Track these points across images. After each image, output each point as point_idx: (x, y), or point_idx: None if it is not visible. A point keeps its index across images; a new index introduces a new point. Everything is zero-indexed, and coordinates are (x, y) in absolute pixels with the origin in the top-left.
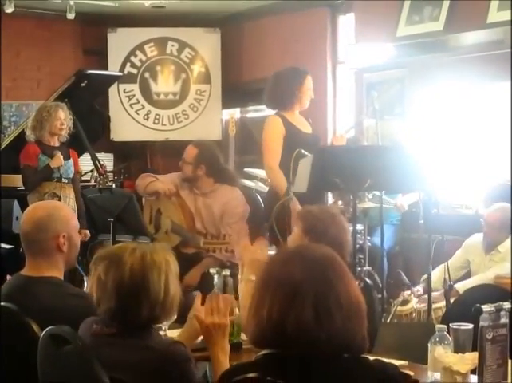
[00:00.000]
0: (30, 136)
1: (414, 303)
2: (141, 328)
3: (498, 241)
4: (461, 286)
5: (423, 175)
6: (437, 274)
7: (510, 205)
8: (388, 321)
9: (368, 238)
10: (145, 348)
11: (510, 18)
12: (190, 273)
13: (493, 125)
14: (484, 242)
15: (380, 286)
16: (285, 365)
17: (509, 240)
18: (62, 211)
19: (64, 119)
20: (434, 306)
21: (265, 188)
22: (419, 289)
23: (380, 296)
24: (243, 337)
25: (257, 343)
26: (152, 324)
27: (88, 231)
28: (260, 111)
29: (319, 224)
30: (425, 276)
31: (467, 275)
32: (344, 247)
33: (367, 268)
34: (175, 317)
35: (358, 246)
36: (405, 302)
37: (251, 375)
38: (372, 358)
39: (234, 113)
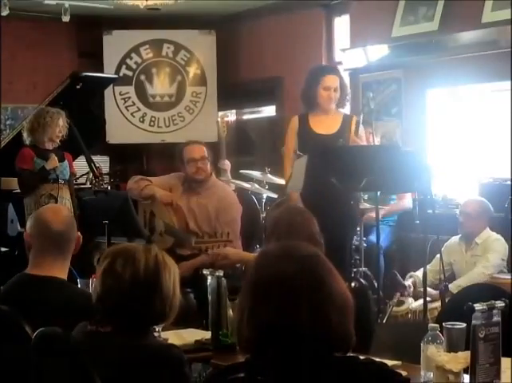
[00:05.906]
0: (27, 139)
1: (409, 304)
2: (139, 328)
3: (475, 232)
4: (454, 286)
5: (418, 175)
6: (420, 277)
7: (484, 199)
8: (384, 321)
9: (364, 238)
10: (140, 348)
11: (504, 18)
12: (182, 264)
13: (488, 124)
14: (461, 234)
15: (376, 286)
16: (276, 364)
17: (485, 231)
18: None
19: (62, 126)
20: (429, 306)
21: (261, 190)
22: (410, 284)
23: (375, 296)
24: None
25: (251, 349)
26: (161, 322)
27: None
28: (256, 112)
29: (281, 222)
30: (411, 273)
31: (451, 277)
32: (315, 241)
33: (362, 269)
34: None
35: (354, 247)
36: (400, 303)
37: (241, 375)
38: (362, 357)
39: (225, 115)
